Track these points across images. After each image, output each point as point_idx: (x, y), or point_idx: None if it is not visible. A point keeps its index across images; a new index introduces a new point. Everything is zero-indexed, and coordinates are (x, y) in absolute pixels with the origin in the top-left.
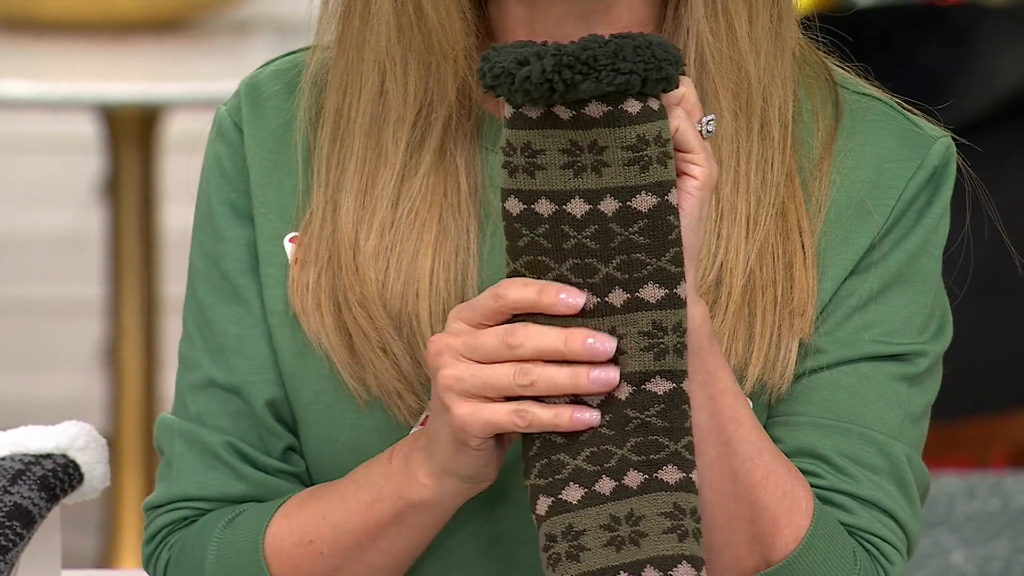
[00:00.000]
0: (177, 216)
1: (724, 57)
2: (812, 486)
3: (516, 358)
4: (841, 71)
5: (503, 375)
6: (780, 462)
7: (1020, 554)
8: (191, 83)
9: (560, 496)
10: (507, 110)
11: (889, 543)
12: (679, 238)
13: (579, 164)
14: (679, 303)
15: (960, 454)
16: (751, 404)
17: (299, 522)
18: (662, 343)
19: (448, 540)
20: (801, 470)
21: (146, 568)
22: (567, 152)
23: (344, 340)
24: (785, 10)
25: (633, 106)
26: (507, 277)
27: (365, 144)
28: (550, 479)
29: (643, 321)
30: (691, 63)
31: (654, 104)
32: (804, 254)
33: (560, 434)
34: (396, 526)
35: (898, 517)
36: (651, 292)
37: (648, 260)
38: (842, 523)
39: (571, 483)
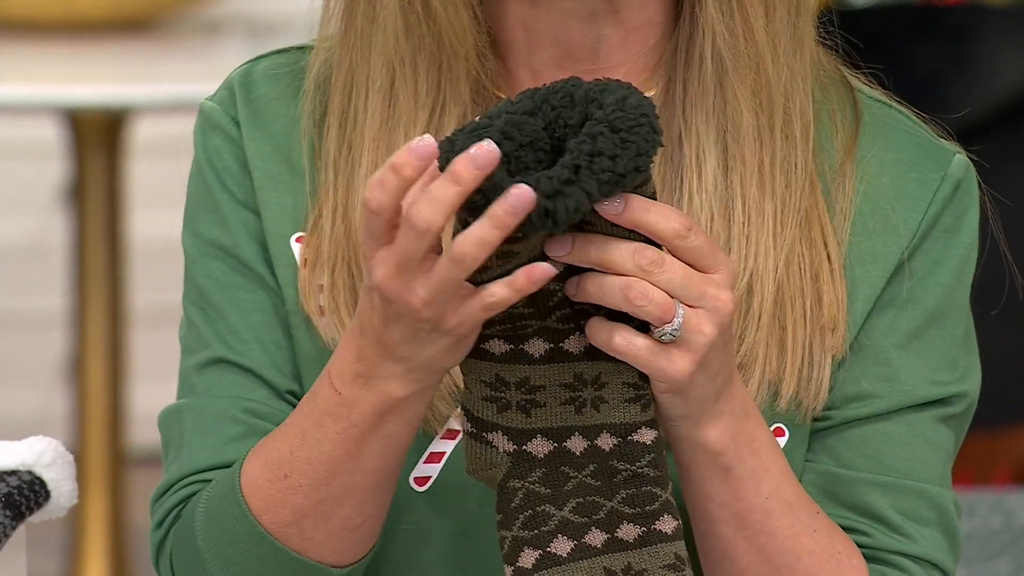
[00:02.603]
0: (144, 224)
1: (741, 54)
2: (864, 546)
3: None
4: (850, 73)
5: (443, 270)
6: (821, 558)
7: (1022, 573)
8: (159, 85)
9: (548, 549)
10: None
11: None
12: None
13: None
14: None
15: (961, 471)
16: (784, 459)
17: (267, 458)
18: (647, 394)
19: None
20: (853, 528)
21: (156, 567)
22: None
23: None
24: (803, 4)
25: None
26: (478, 337)
27: (375, 147)
28: (536, 531)
29: (628, 370)
30: (708, 61)
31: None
32: (831, 265)
33: (544, 484)
34: (377, 440)
35: (947, 569)
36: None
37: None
38: None
39: (559, 535)
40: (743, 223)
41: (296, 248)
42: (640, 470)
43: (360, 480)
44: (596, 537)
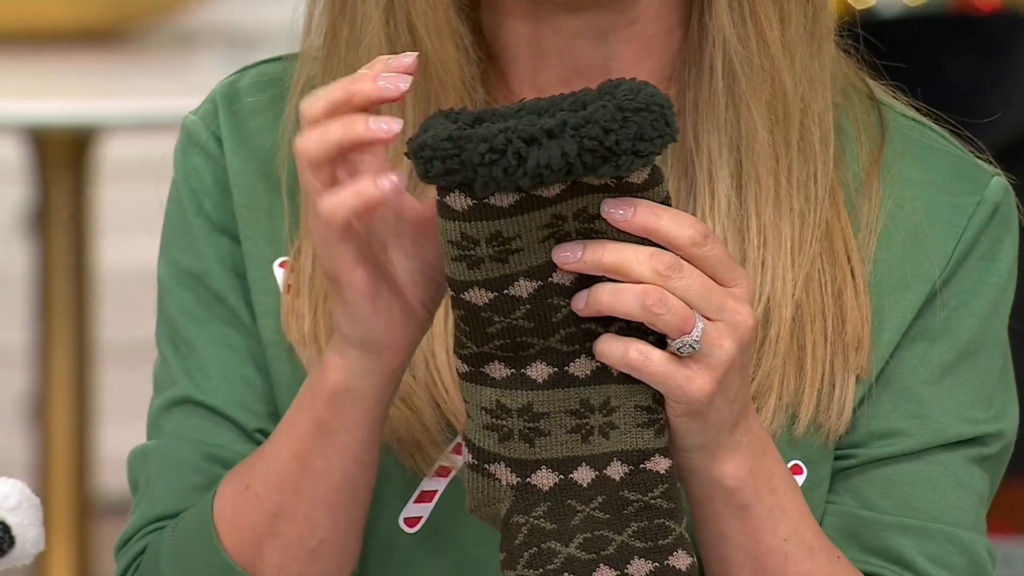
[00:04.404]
0: (114, 252)
1: (755, 67)
2: None
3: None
4: (879, 87)
5: (301, 144)
6: None
7: None
8: (130, 101)
9: None
10: (459, 201)
11: None
12: None
13: (562, 232)
14: None
15: (995, 519)
16: (801, 492)
17: (238, 471)
18: (660, 418)
19: None
20: (877, 575)
21: None
22: (548, 226)
23: None
24: (820, 5)
25: (640, 175)
26: (476, 359)
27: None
28: (541, 570)
29: (641, 392)
30: (718, 74)
31: (657, 161)
32: (855, 281)
33: (550, 519)
34: (320, 434)
35: None
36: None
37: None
38: None
39: (565, 573)
40: (759, 246)
41: (279, 273)
42: (652, 501)
43: (307, 488)
44: (605, 575)
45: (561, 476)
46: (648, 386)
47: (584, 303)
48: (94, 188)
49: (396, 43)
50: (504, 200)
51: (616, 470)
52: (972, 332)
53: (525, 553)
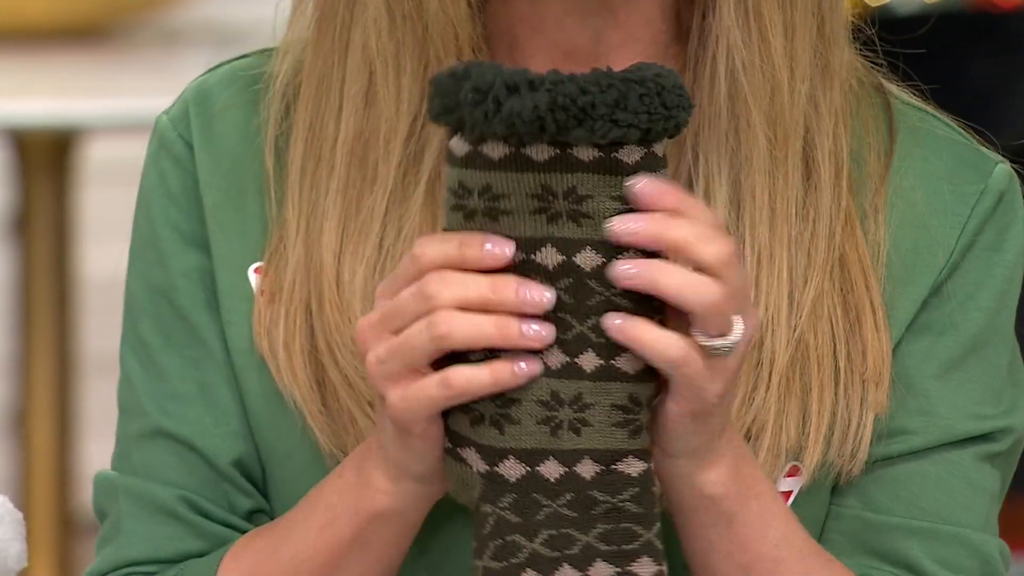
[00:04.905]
0: (97, 258)
1: (756, 70)
2: None
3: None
4: (893, 86)
5: (414, 335)
6: None
7: None
8: (114, 101)
9: None
10: (459, 146)
11: None
12: None
13: (553, 211)
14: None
15: (1016, 535)
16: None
17: (250, 560)
18: (637, 419)
19: None
20: None
21: None
22: (538, 197)
23: (318, 394)
24: (833, 35)
25: (631, 154)
26: None
27: (348, 162)
28: (505, 563)
29: (617, 391)
30: (721, 78)
31: (658, 150)
32: (874, 312)
33: (515, 511)
34: (358, 548)
35: None
36: (627, 364)
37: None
38: None
39: (528, 569)
40: (752, 267)
41: (254, 279)
42: (621, 504)
43: None
44: (567, 574)
45: (528, 468)
46: (624, 385)
47: (633, 273)
48: (77, 191)
49: (395, 9)
50: (495, 151)
51: (587, 468)
52: (979, 325)
53: (491, 544)
